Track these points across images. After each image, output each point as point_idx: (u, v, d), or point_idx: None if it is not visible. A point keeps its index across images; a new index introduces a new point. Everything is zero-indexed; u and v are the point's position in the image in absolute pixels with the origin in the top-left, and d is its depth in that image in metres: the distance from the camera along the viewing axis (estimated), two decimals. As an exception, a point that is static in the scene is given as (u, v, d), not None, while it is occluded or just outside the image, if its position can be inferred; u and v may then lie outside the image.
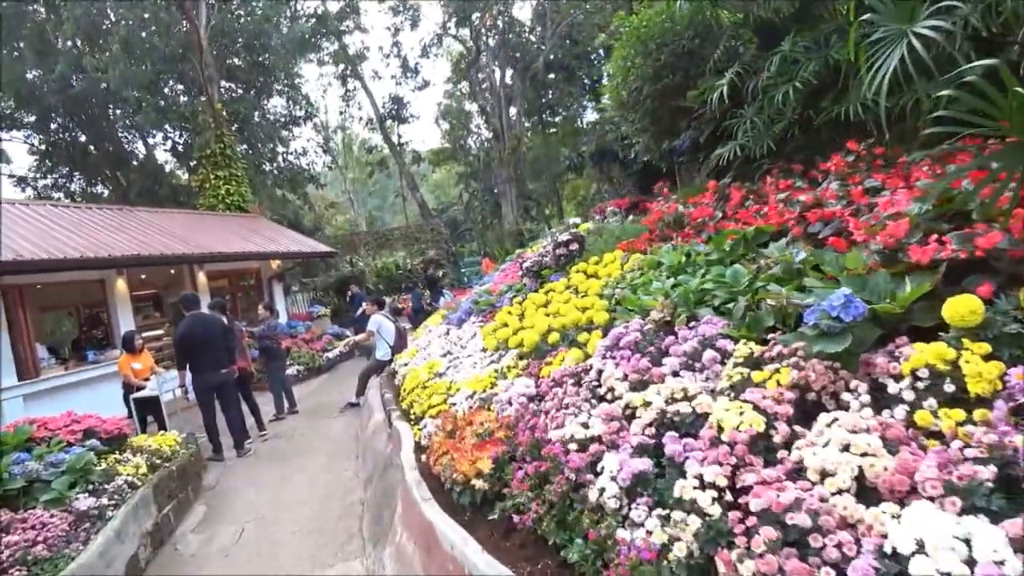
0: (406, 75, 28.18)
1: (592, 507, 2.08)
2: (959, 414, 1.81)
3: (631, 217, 7.94)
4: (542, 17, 25.67)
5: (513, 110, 24.76)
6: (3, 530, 3.58)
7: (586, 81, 28.65)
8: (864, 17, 3.49)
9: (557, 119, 32.05)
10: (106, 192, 24.40)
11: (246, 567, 4.15)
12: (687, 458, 2.06)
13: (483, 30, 25.16)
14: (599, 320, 3.56)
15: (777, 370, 2.25)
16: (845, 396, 2.12)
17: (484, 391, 3.54)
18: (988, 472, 1.54)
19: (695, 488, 1.87)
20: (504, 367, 3.80)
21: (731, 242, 3.56)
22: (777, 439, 2.03)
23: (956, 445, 1.71)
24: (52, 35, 20.73)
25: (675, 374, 2.62)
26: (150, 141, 24.30)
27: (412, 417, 4.30)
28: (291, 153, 26.08)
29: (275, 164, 25.30)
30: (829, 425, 1.95)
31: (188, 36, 19.48)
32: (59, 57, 20.33)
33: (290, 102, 25.88)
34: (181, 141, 23.96)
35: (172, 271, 12.91)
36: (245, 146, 22.62)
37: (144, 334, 10.79)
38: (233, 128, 20.31)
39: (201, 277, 12.29)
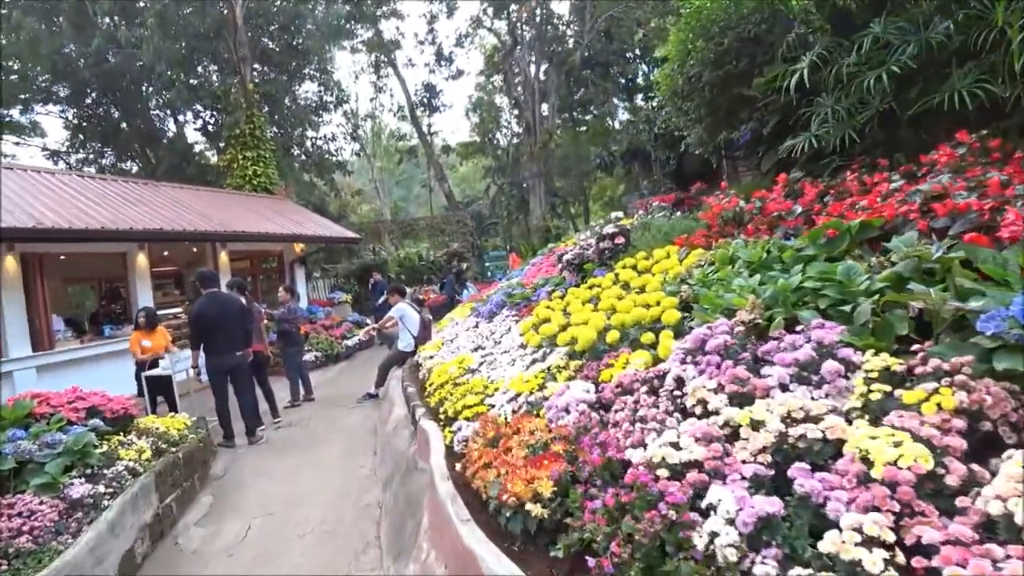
0: (440, 63, 27.84)
1: (697, 554, 1.60)
2: None
3: (678, 213, 7.41)
4: (580, 11, 25.09)
5: (546, 104, 24.21)
6: (-15, 516, 3.20)
7: (621, 80, 28.08)
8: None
9: (588, 117, 31.52)
10: (135, 168, 24.43)
11: (251, 570, 3.74)
12: (827, 499, 1.57)
13: (520, 21, 24.67)
14: (668, 319, 3.07)
15: (936, 390, 1.74)
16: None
17: (531, 394, 3.06)
18: None
19: (856, 544, 1.37)
20: (552, 367, 3.32)
21: (830, 237, 3.04)
22: (951, 480, 1.53)
23: None
24: (90, 9, 20.70)
25: (783, 387, 2.12)
26: (181, 119, 24.25)
27: (441, 417, 3.85)
28: (320, 138, 25.91)
29: (303, 148, 25.14)
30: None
31: (223, 15, 19.33)
32: (96, 31, 20.31)
33: (321, 87, 25.67)
34: (212, 121, 23.91)
35: (195, 249, 12.66)
36: (275, 129, 22.44)
37: (161, 311, 10.56)
38: (264, 110, 20.13)
39: (223, 256, 12.01)
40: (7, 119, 23.03)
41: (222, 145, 19.93)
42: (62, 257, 9.80)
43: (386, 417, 5.93)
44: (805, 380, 2.13)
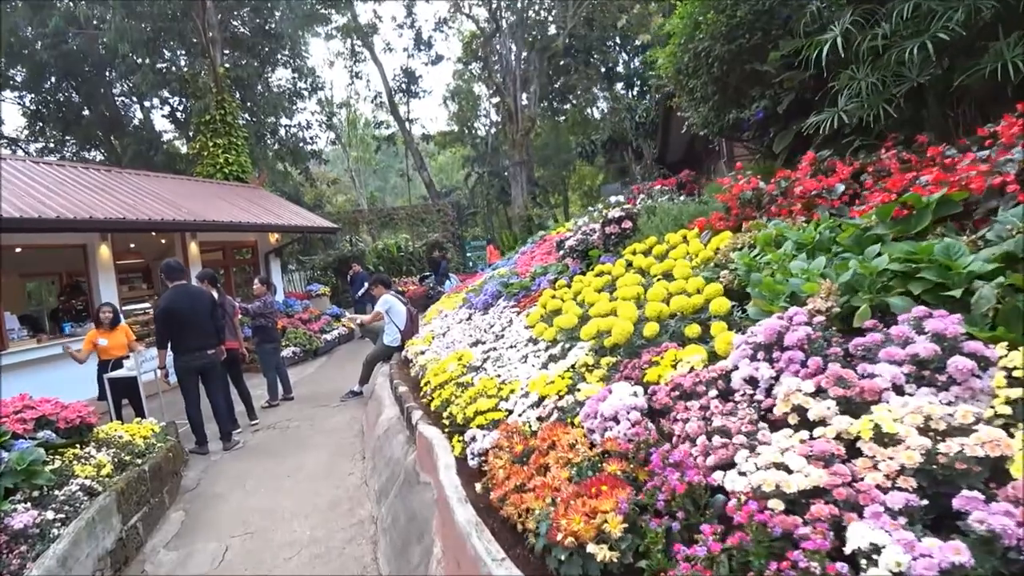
0: (419, 48, 27.10)
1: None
2: None
3: (682, 197, 7.02)
4: (564, -5, 24.56)
5: (528, 91, 23.69)
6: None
7: (601, 68, 27.68)
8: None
9: (567, 107, 31.11)
10: (99, 158, 23.32)
11: (230, 603, 3.25)
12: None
13: (501, 6, 24.06)
14: (717, 308, 2.65)
15: None
16: None
17: (560, 397, 2.61)
18: None
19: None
20: (577, 365, 2.88)
21: (900, 214, 2.63)
22: None
23: None
24: (48, -14, 19.57)
25: (898, 390, 1.71)
26: (147, 105, 23.17)
27: (445, 422, 3.38)
28: (294, 127, 25.02)
29: (277, 137, 24.25)
30: None
31: (190, -7, 18.37)
32: (54, 12, 19.18)
33: (295, 74, 24.75)
34: (180, 108, 22.89)
35: (163, 240, 11.94)
36: (247, 116, 21.54)
37: (128, 307, 9.89)
38: (235, 96, 19.24)
39: (193, 248, 11.30)
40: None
41: (191, 133, 19.03)
42: (17, 250, 9.05)
43: (374, 418, 5.45)
44: (925, 380, 1.72)
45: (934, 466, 1.41)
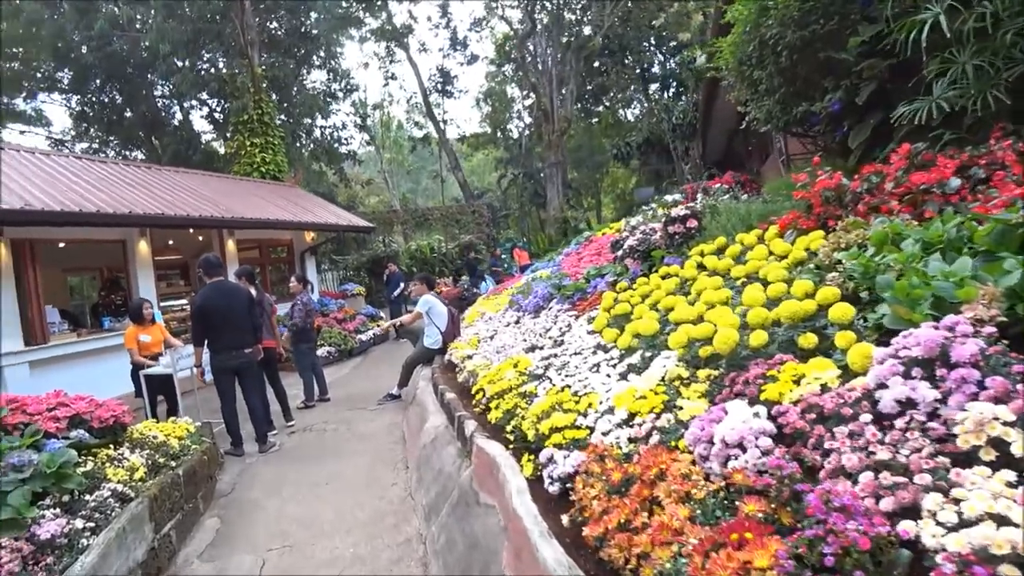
0: (454, 48, 26.97)
1: None
2: None
3: (744, 196, 6.58)
4: (603, -7, 24.14)
5: (564, 91, 23.32)
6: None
7: (636, 69, 27.17)
8: None
9: (600, 108, 30.67)
10: (140, 156, 23.73)
11: (267, 626, 2.97)
12: None
13: (538, 5, 23.76)
14: (838, 315, 2.25)
15: None
16: None
17: (656, 416, 2.25)
18: None
19: None
20: (669, 378, 2.51)
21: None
22: None
23: None
24: (94, -10, 19.96)
25: None
26: (186, 106, 23.52)
27: (509, 437, 3.04)
28: (329, 127, 25.14)
29: (312, 137, 24.40)
30: None
31: (229, -4, 18.53)
32: (99, 14, 19.55)
33: (331, 75, 24.88)
34: (218, 109, 23.17)
35: (200, 237, 11.90)
36: (283, 117, 21.68)
37: (165, 303, 9.84)
38: (271, 97, 19.36)
39: (230, 245, 11.23)
40: (10, 108, 22.39)
41: (229, 132, 19.19)
42: (61, 245, 9.05)
43: (417, 426, 5.15)
44: None
45: None
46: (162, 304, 10.04)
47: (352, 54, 38.90)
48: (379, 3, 25.74)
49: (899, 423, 1.60)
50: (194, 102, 23.61)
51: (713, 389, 2.33)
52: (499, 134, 31.67)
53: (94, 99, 22.84)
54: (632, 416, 2.39)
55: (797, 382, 2.12)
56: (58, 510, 3.05)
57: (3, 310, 7.35)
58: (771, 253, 3.83)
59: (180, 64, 20.29)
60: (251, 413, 5.80)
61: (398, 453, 5.31)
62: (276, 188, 15.23)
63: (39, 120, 23.92)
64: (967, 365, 1.64)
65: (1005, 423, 1.40)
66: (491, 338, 5.54)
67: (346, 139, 25.50)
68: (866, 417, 1.68)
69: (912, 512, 1.36)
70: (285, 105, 22.43)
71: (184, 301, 11.43)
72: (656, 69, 28.48)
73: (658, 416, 2.26)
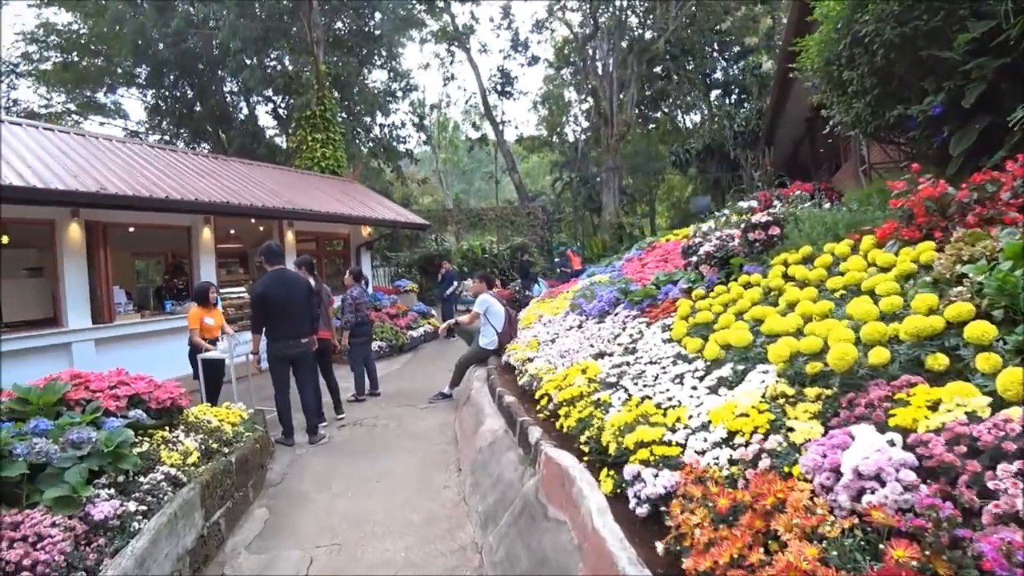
0: (515, 49, 26.93)
1: None
2: None
3: (827, 204, 6.14)
4: (667, -3, 23.63)
5: (624, 94, 22.90)
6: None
7: (698, 75, 26.46)
8: None
9: (658, 114, 30.05)
10: (207, 148, 24.64)
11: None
12: None
13: (600, 7, 23.44)
14: (978, 334, 1.92)
15: None
16: None
17: (763, 435, 1.97)
18: None
19: None
20: (770, 394, 2.22)
21: None
22: None
23: None
24: (172, -11, 20.85)
25: None
26: (252, 100, 24.29)
27: (584, 448, 2.79)
28: (388, 126, 25.49)
29: (371, 135, 24.80)
30: None
31: (298, -6, 18.99)
32: (175, 13, 20.39)
33: (391, 74, 25.25)
34: (282, 106, 23.83)
35: (261, 228, 12.13)
36: (343, 114, 22.10)
37: (224, 290, 10.01)
38: (334, 94, 19.74)
39: (289, 236, 11.39)
40: (92, 101, 23.68)
41: (292, 128, 19.68)
42: (131, 229, 9.33)
43: (472, 427, 4.96)
44: None
45: None
46: (221, 291, 10.23)
47: (412, 55, 39.44)
48: (441, 5, 25.99)
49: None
50: (260, 98, 24.35)
51: (826, 410, 2.03)
52: (555, 138, 31.47)
53: (168, 93, 23.84)
54: (732, 435, 2.11)
55: (932, 408, 1.81)
56: (112, 490, 2.98)
57: (75, 288, 7.60)
58: (871, 264, 3.47)
59: (249, 61, 20.93)
60: (303, 404, 5.74)
61: (450, 454, 5.13)
62: (336, 183, 15.44)
63: (117, 112, 25.17)
64: None
65: None
66: (552, 341, 5.29)
67: (404, 138, 25.81)
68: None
69: None
70: (346, 103, 22.86)
71: (242, 289, 11.65)
72: (718, 75, 27.74)
73: (765, 437, 1.97)
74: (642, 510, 2.06)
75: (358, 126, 23.80)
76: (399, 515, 3.93)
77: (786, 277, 3.91)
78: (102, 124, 25.22)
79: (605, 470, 2.40)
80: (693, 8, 23.15)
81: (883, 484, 1.50)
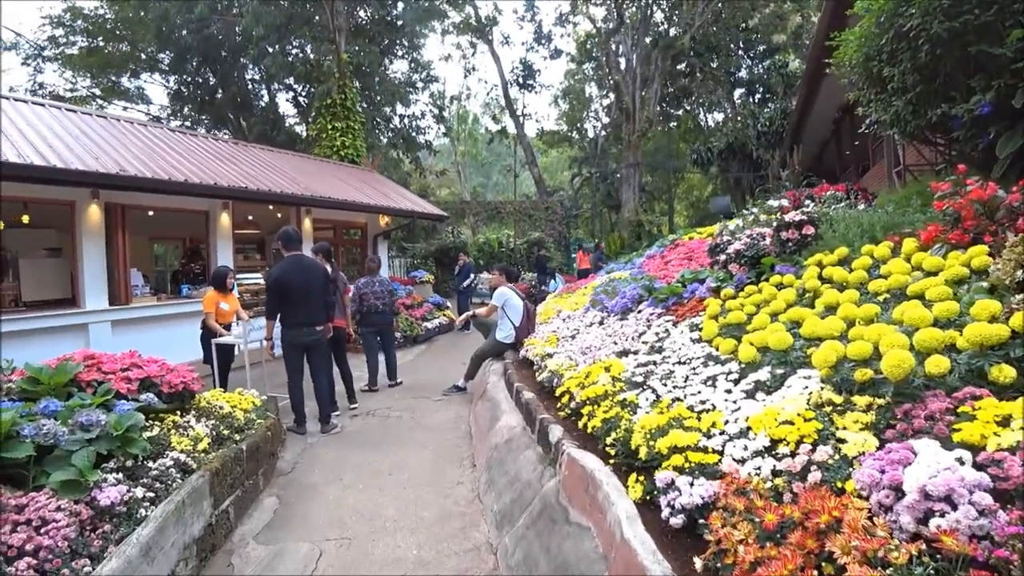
0: (539, 42, 26.68)
1: None
2: None
3: (861, 205, 5.91)
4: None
5: (647, 90, 22.58)
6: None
7: (723, 72, 26.03)
8: None
9: (679, 112, 29.67)
10: (228, 135, 24.76)
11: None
12: None
13: (625, 2, 23.12)
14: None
15: None
16: None
17: (811, 446, 1.81)
18: None
19: None
20: (815, 401, 2.06)
21: None
22: None
23: None
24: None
25: None
26: (273, 88, 24.34)
27: (610, 451, 2.65)
28: (407, 116, 25.42)
29: (391, 125, 24.74)
30: None
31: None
32: (199, -1, 20.46)
33: (412, 65, 25.16)
34: (303, 94, 23.83)
35: (279, 214, 12.10)
36: (363, 104, 22.06)
37: (241, 276, 9.99)
38: (355, 83, 19.68)
39: (307, 223, 11.34)
40: (117, 86, 23.87)
41: (312, 116, 19.67)
42: (150, 213, 9.33)
43: (487, 423, 4.84)
44: None
45: None
46: (237, 276, 10.21)
47: (433, 46, 39.21)
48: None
49: None
50: (280, 86, 24.37)
51: (878, 421, 1.87)
52: (575, 133, 31.20)
53: (190, 79, 23.95)
54: (775, 443, 1.96)
55: (1002, 424, 1.65)
56: (120, 475, 2.90)
57: (93, 269, 7.60)
58: (915, 268, 3.29)
59: (271, 48, 20.93)
60: (317, 392, 5.67)
61: (464, 449, 5.02)
62: (354, 171, 15.39)
63: (140, 98, 25.36)
64: None
65: None
66: (572, 337, 5.16)
67: (423, 129, 25.71)
68: None
69: None
70: (367, 92, 22.79)
71: (258, 275, 11.64)
72: (743, 73, 27.28)
73: (813, 448, 1.82)
74: (676, 520, 1.91)
75: (378, 116, 23.72)
76: (411, 511, 3.83)
77: (821, 279, 3.74)
78: (125, 109, 25.44)
79: (634, 475, 2.26)
80: (720, 4, 22.73)
81: (954, 507, 1.35)
